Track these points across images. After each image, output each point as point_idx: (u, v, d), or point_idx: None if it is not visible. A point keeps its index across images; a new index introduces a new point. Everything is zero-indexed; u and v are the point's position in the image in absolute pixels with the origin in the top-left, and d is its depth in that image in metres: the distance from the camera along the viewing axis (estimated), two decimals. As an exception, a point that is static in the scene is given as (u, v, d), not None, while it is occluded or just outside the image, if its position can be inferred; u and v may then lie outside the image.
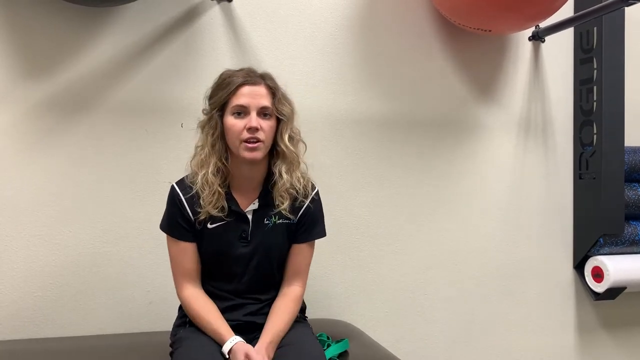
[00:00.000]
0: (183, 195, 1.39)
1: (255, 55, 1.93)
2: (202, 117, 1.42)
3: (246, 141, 1.32)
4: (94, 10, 1.77)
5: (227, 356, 1.29)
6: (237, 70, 1.39)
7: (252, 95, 1.33)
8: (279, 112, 1.36)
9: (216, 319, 1.35)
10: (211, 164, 1.35)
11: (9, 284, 1.73)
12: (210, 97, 1.39)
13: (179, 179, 1.44)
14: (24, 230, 1.74)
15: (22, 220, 1.73)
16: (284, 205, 1.39)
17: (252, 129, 1.31)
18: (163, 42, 1.85)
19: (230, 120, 1.34)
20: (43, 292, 1.76)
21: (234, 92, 1.33)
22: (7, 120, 1.72)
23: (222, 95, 1.35)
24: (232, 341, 1.29)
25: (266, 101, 1.34)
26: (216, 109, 1.36)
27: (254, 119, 1.31)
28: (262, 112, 1.34)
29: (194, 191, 1.36)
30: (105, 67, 1.79)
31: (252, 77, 1.35)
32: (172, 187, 1.42)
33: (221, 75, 1.40)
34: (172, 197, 1.41)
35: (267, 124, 1.34)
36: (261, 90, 1.34)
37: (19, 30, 1.72)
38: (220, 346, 1.31)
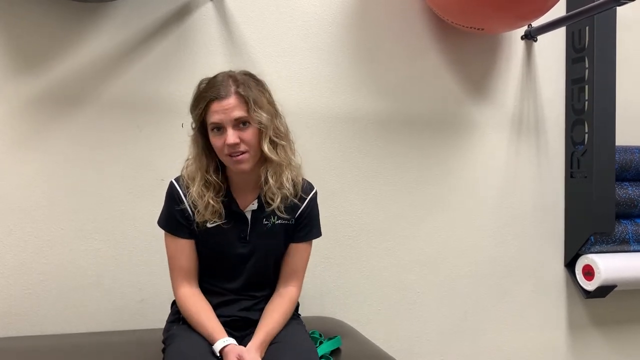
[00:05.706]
0: (183, 193, 1.38)
1: (248, 52, 1.93)
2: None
3: (230, 155, 1.30)
4: (86, 6, 1.76)
5: (218, 355, 1.28)
6: (210, 80, 1.34)
7: (223, 111, 1.27)
8: (255, 121, 1.30)
9: (210, 319, 1.35)
10: (197, 179, 1.35)
11: (0, 281, 1.72)
12: (191, 113, 1.36)
13: (177, 175, 1.42)
14: (15, 227, 1.73)
15: (13, 217, 1.72)
16: (275, 204, 1.37)
17: (231, 146, 1.28)
18: (156, 38, 1.84)
19: (212, 137, 1.32)
20: (35, 289, 1.75)
21: (205, 110, 1.30)
22: (-2, 117, 1.71)
23: (196, 114, 1.33)
24: (225, 341, 1.28)
25: (239, 111, 1.28)
26: (196, 127, 1.36)
27: (230, 136, 1.27)
28: (240, 122, 1.29)
29: (190, 200, 1.35)
30: (97, 64, 1.78)
31: (222, 89, 1.29)
32: (171, 183, 1.41)
33: (197, 87, 1.36)
34: (172, 194, 1.40)
35: (247, 134, 1.30)
36: (231, 102, 1.28)
37: (11, 26, 1.71)
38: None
